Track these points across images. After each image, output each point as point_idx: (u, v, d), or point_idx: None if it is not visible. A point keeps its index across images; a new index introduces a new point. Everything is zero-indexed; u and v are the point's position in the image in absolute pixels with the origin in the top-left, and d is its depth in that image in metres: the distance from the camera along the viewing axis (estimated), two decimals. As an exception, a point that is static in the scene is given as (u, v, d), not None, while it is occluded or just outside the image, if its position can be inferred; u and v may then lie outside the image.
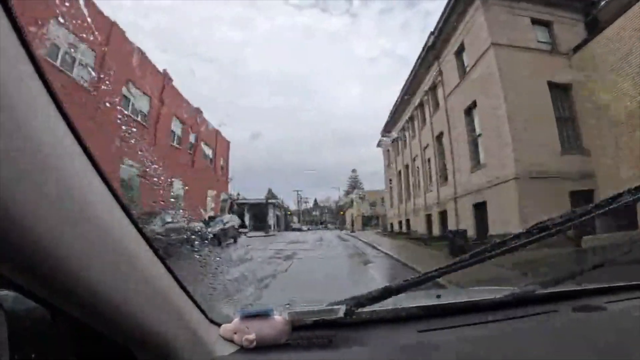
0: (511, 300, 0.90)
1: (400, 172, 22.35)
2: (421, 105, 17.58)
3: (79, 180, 0.40)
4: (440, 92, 15.01)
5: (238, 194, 31.78)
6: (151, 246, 0.53)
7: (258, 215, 34.27)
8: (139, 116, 14.45)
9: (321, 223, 61.96)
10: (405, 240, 15.44)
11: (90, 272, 0.41)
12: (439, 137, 15.46)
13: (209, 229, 10.66)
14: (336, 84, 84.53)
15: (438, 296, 0.99)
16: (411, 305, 0.87)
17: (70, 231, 0.38)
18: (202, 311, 0.69)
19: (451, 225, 13.47)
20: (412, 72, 17.45)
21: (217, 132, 24.19)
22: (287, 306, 0.81)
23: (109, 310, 0.45)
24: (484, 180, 11.20)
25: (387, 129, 24.72)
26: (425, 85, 16.51)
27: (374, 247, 13.39)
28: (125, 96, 13.36)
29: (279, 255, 10.89)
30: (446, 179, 14.74)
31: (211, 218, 12.51)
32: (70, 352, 0.57)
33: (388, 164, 25.87)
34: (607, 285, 1.01)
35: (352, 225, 37.11)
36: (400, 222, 22.33)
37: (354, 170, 59.00)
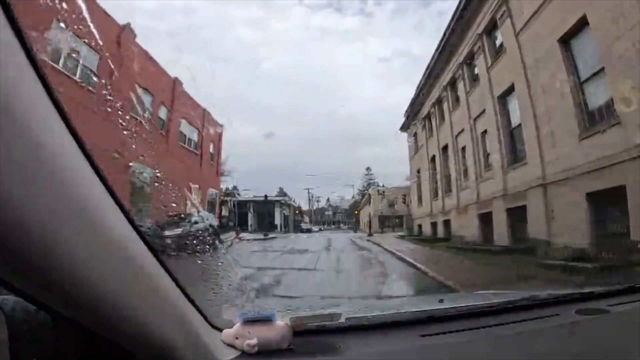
0: (514, 303, 0.94)
1: (433, 158, 17.10)
2: (470, 57, 12.44)
3: (81, 185, 0.40)
4: (506, 30, 9.92)
5: (235, 188, 27.58)
6: (153, 250, 0.52)
7: (262, 214, 30.75)
8: (76, 71, 10.20)
9: (334, 223, 57.50)
10: (447, 251, 10.34)
11: (92, 277, 0.40)
12: (503, 97, 10.35)
13: (166, 232, 8.59)
14: (349, 84, 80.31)
15: (440, 300, 1.05)
16: (413, 310, 0.92)
17: (71, 236, 0.37)
18: (204, 316, 0.68)
19: (534, 231, 8.39)
20: (456, 11, 12.35)
21: (206, 113, 19.97)
22: (289, 311, 0.88)
23: (110, 315, 0.45)
24: (616, 149, 6.12)
25: (414, 105, 19.54)
26: (479, 26, 11.42)
27: (407, 263, 8.52)
28: (51, 40, 9.18)
29: (254, 281, 6.20)
30: (519, 158, 9.63)
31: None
32: (71, 355, 0.56)
33: (415, 150, 20.54)
34: (609, 288, 1.08)
35: (369, 226, 32.06)
36: (433, 224, 17.10)
37: (368, 169, 53.70)
